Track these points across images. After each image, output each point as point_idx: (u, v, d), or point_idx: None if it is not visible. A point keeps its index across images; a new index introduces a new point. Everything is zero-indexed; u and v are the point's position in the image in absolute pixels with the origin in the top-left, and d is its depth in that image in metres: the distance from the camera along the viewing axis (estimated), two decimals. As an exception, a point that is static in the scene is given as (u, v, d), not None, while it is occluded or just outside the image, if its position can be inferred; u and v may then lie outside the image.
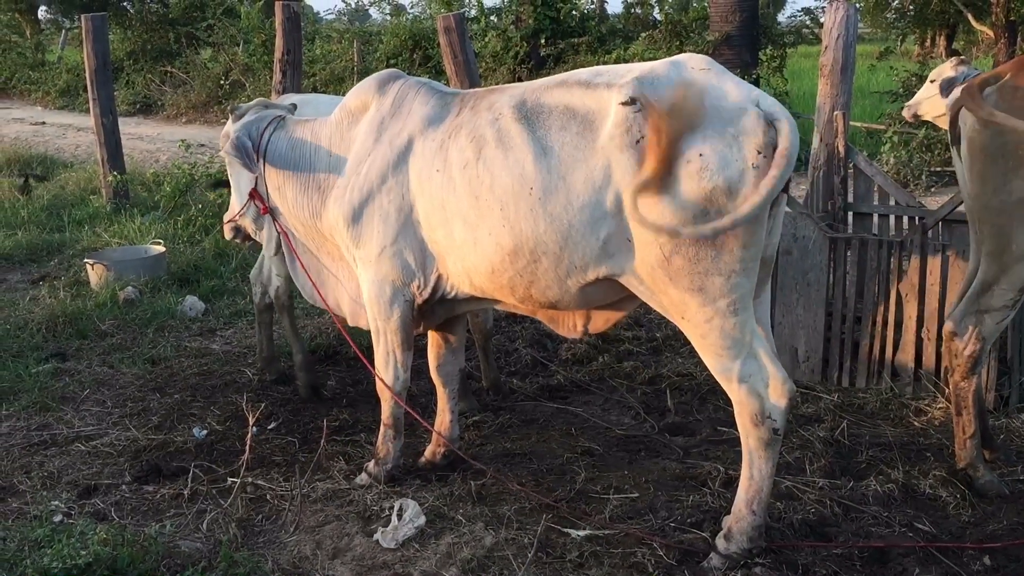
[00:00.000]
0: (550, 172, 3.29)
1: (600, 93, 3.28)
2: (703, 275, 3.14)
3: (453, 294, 3.76)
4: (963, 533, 3.61)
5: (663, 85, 3.18)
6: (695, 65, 3.25)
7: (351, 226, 3.79)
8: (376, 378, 3.98)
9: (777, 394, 3.22)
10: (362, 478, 4.03)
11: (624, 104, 3.17)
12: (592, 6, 19.81)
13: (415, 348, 4.00)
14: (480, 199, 3.44)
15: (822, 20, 6.40)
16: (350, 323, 4.18)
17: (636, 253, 3.24)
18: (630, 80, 3.22)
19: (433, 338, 4.19)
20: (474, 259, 3.53)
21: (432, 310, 3.91)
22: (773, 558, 3.35)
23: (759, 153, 3.05)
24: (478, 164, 3.44)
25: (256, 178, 4.10)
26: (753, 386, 3.22)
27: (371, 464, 4.06)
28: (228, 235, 4.60)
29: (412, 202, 3.65)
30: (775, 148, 3.08)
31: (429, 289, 3.75)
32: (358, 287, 3.98)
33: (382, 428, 4.05)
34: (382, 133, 3.76)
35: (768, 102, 3.13)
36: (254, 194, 4.12)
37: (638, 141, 3.14)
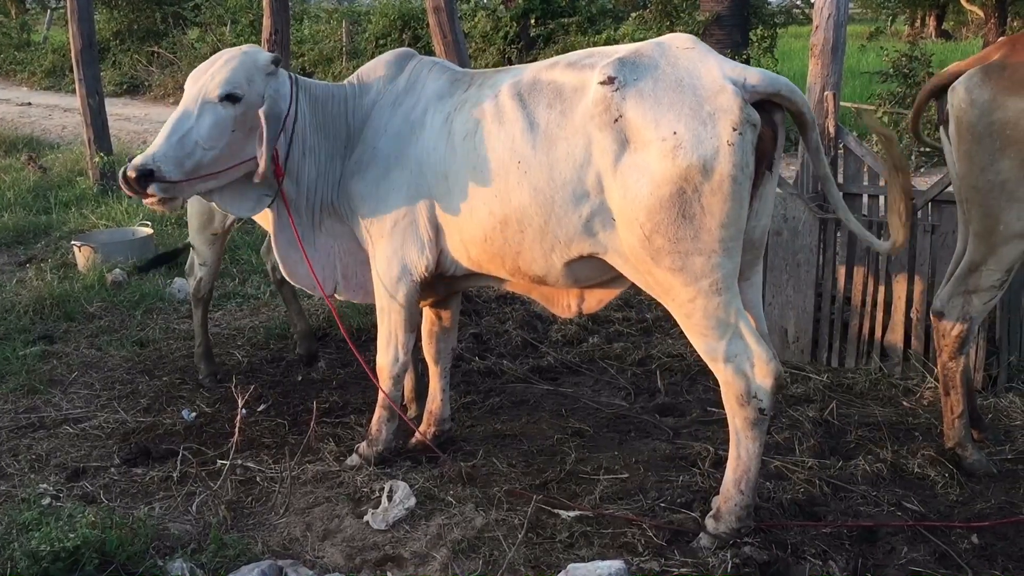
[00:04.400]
0: (535, 147, 3.35)
1: (584, 73, 3.34)
2: (684, 255, 3.14)
3: (453, 270, 3.78)
4: (951, 512, 3.63)
5: (645, 64, 3.20)
6: (679, 44, 3.29)
7: (366, 200, 3.75)
8: (366, 368, 3.96)
9: (763, 374, 3.22)
10: (353, 459, 4.02)
11: (602, 83, 3.21)
12: (582, -15, 19.71)
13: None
14: (476, 169, 3.49)
15: (812, 0, 6.38)
16: (356, 299, 4.08)
17: (619, 233, 3.25)
18: (612, 60, 3.26)
19: (426, 316, 4.18)
20: (470, 229, 3.57)
21: (432, 286, 3.91)
22: (762, 537, 3.36)
23: (734, 130, 3.06)
24: (475, 136, 3.50)
25: (281, 139, 3.70)
26: (739, 366, 3.22)
27: (363, 445, 4.05)
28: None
29: (422, 174, 3.66)
30: (754, 125, 3.09)
31: (434, 264, 3.75)
32: (359, 264, 3.94)
33: (377, 410, 4.03)
34: (397, 108, 3.78)
35: (755, 80, 3.13)
36: (276, 154, 3.67)
37: (616, 120, 3.16)
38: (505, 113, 3.44)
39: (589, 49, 3.55)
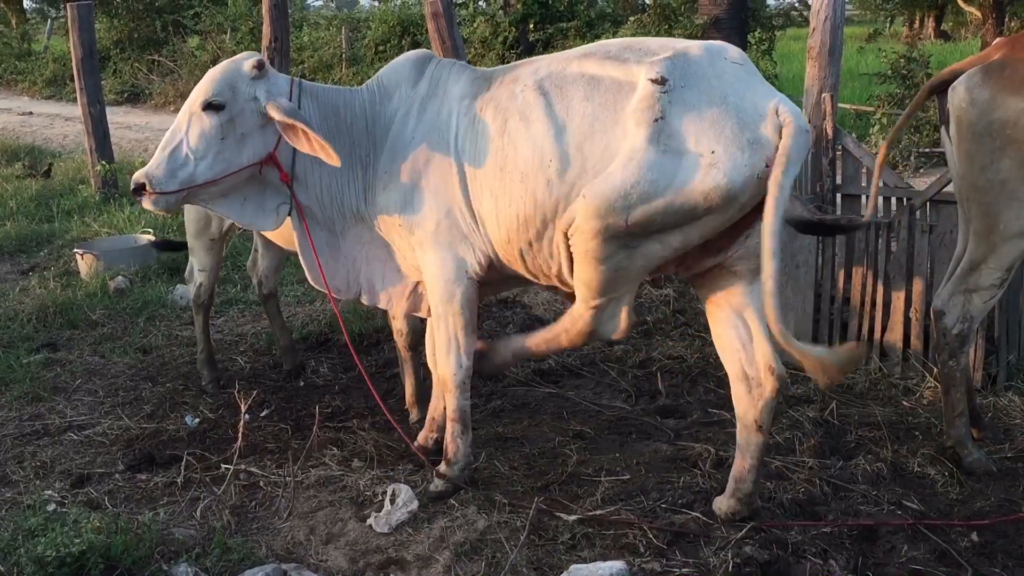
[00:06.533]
0: (567, 143, 3.30)
1: (630, 67, 3.26)
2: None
3: (496, 270, 3.71)
4: (951, 511, 3.64)
5: (694, 71, 3.17)
6: (730, 57, 3.26)
7: (405, 209, 3.66)
8: (364, 374, 3.96)
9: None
10: (436, 484, 3.80)
11: (653, 81, 3.16)
12: (580, -10, 19.75)
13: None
14: (504, 171, 3.45)
15: (810, 2, 6.40)
16: (381, 305, 3.99)
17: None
18: (662, 58, 3.21)
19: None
20: (496, 231, 3.53)
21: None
22: (763, 537, 3.38)
23: (767, 166, 3.06)
24: (503, 137, 3.46)
25: (279, 143, 3.64)
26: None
27: (442, 467, 3.85)
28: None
29: (455, 177, 3.59)
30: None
31: (487, 260, 3.65)
32: (387, 270, 3.88)
33: (448, 425, 3.82)
34: (423, 114, 3.71)
35: (784, 107, 3.11)
36: (275, 159, 3.65)
37: (656, 120, 3.12)
38: (532, 110, 3.39)
39: (622, 40, 3.48)
